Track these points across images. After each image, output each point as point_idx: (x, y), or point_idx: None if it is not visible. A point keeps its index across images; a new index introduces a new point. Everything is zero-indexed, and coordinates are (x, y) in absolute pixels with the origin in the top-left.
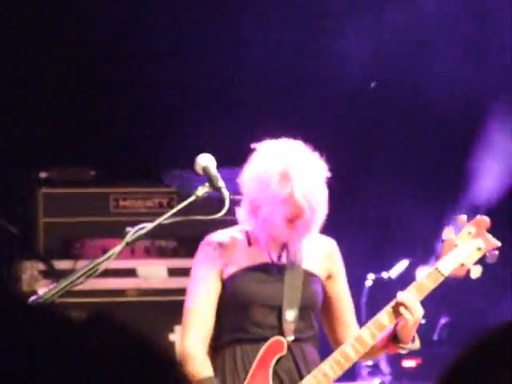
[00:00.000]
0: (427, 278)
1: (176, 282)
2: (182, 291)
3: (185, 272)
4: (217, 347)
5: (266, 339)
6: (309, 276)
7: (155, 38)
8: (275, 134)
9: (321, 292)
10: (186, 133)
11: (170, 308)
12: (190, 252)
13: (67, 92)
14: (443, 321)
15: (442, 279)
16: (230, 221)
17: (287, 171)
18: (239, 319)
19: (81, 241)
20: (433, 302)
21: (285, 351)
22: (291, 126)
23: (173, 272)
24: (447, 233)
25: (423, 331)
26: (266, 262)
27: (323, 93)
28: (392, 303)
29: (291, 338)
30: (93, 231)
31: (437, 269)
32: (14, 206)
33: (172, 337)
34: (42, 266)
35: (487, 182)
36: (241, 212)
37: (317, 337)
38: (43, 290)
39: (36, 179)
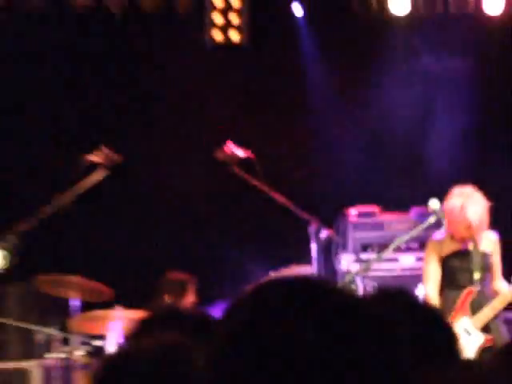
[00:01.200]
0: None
1: None
2: None
3: None
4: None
5: (463, 288)
6: (485, 255)
7: None
8: None
9: (490, 262)
10: None
11: None
12: None
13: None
14: None
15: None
16: None
17: (463, 205)
18: (450, 279)
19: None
20: None
21: (474, 295)
22: None
23: None
24: None
25: None
26: (460, 249)
27: None
28: None
29: (478, 288)
30: None
31: None
32: None
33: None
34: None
35: None
36: (445, 225)
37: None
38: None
39: None
